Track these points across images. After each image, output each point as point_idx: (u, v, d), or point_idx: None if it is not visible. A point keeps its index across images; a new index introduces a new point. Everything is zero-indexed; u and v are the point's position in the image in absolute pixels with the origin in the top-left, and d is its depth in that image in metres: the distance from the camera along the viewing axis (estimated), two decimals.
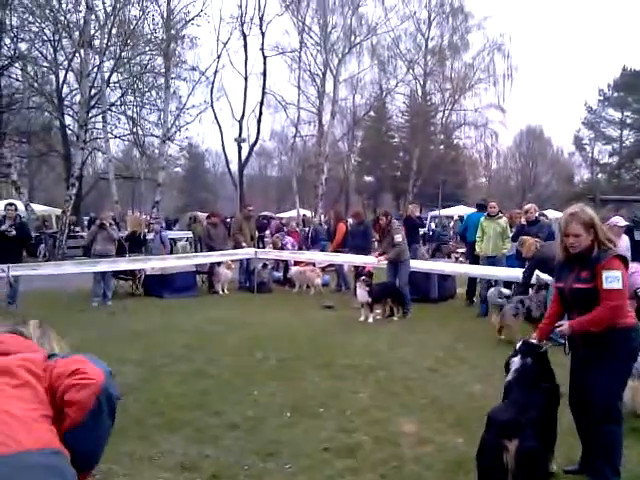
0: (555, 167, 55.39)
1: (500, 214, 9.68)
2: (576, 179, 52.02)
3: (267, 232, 18.98)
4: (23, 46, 22.71)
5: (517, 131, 54.87)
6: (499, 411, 3.24)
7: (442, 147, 42.71)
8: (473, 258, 10.21)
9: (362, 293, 8.85)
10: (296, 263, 12.87)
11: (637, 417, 4.32)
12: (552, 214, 23.41)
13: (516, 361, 3.54)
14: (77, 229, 24.77)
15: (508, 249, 9.45)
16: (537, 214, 9.10)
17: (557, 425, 3.44)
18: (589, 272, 3.23)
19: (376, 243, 11.90)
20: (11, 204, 10.85)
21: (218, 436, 4.16)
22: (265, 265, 12.60)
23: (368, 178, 48.91)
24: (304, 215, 30.39)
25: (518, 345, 3.68)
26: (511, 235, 9.54)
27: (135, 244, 13.30)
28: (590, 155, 49.25)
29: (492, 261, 9.37)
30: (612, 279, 3.13)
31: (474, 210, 11.60)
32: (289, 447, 3.97)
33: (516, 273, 8.65)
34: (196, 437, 4.14)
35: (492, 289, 8.57)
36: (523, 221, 9.20)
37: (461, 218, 23.94)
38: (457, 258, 14.79)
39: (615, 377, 3.29)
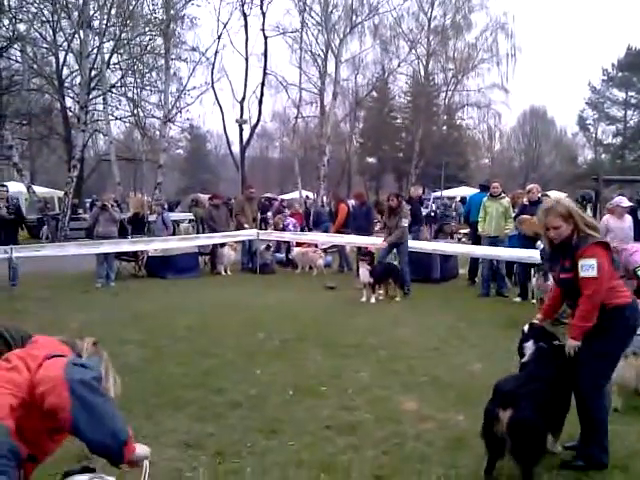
0: (558, 147, 55.05)
1: (503, 194, 9.66)
2: (579, 159, 51.77)
3: (269, 214, 18.95)
4: (22, 27, 22.47)
5: (520, 111, 54.51)
6: (504, 382, 3.28)
7: (445, 128, 42.46)
8: (476, 238, 10.21)
9: (364, 273, 8.87)
10: (299, 244, 12.88)
11: (639, 395, 4.34)
12: (555, 195, 23.36)
13: (529, 346, 3.55)
14: (79, 211, 24.78)
15: (511, 229, 9.43)
16: (540, 194, 9.05)
17: (567, 405, 3.43)
18: (570, 261, 3.24)
19: (378, 225, 11.92)
20: (3, 185, 10.98)
21: (221, 414, 4.20)
22: (268, 247, 12.63)
23: (370, 159, 48.71)
24: (307, 196, 30.31)
25: (526, 328, 3.68)
26: (513, 215, 9.52)
27: (138, 226, 13.30)
28: (594, 135, 48.97)
29: (494, 241, 9.37)
30: (587, 267, 3.13)
31: (477, 191, 11.58)
32: (291, 425, 4.01)
33: (518, 253, 8.66)
34: (199, 415, 4.18)
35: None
36: (525, 201, 9.17)
37: (463, 199, 23.92)
38: (459, 239, 14.80)
39: (602, 357, 3.29)
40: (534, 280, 8.26)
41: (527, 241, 8.43)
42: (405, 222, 9.31)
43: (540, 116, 54.52)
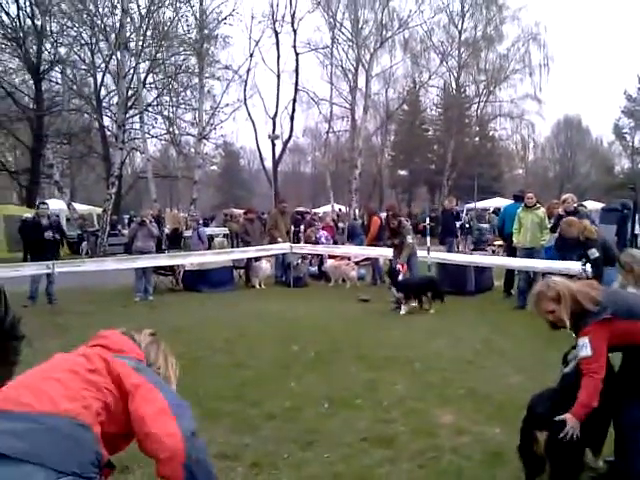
0: (594, 157, 54.00)
1: (538, 205, 9.53)
2: (616, 169, 50.63)
3: (302, 227, 19.09)
4: (62, 50, 23.43)
5: (555, 121, 53.68)
6: (538, 400, 3.22)
7: (477, 139, 42.12)
8: (511, 250, 10.08)
9: (393, 290, 8.98)
10: (331, 257, 12.93)
11: None
12: (592, 205, 22.85)
13: (573, 356, 3.48)
14: (118, 227, 25.38)
15: (547, 240, 9.30)
16: (575, 204, 8.90)
17: (609, 421, 3.33)
18: None
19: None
20: (44, 203, 11.39)
21: (257, 426, 4.25)
22: (304, 258, 12.76)
23: (402, 172, 48.57)
24: (339, 210, 30.41)
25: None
26: (549, 226, 9.39)
27: (174, 240, 13.57)
28: (630, 144, 47.81)
29: (530, 253, 9.24)
30: (580, 347, 3.05)
31: (511, 202, 11.45)
32: (327, 437, 4.02)
33: (555, 265, 8.51)
34: (236, 427, 4.23)
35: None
36: (561, 211, 9.03)
37: (496, 211, 23.59)
38: (494, 251, 14.61)
39: None
40: None
41: (564, 252, 8.29)
42: (409, 239, 9.48)
43: (575, 125, 53.66)
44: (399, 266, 9.17)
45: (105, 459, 1.80)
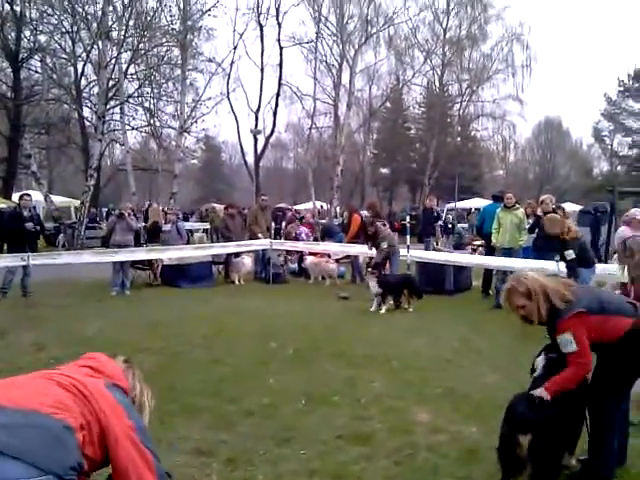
0: (574, 159, 54.74)
1: (517, 205, 9.63)
2: (595, 171, 51.43)
3: (283, 224, 19.04)
4: (42, 38, 22.98)
5: (535, 122, 54.27)
6: (518, 403, 3.22)
7: (459, 139, 42.41)
8: (489, 250, 10.17)
9: (372, 284, 8.94)
10: (312, 254, 12.92)
11: None
12: (570, 207, 23.18)
13: (539, 360, 3.51)
14: (97, 219, 25.07)
15: (524, 241, 9.41)
16: (553, 206, 8.97)
17: (583, 421, 3.37)
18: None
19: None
20: (27, 194, 11.18)
21: (234, 422, 4.22)
22: (286, 259, 12.75)
23: (384, 170, 48.73)
24: (321, 207, 30.39)
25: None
26: (527, 227, 9.50)
27: (153, 235, 13.44)
28: (609, 147, 48.59)
29: (508, 253, 9.33)
30: (564, 343, 3.09)
31: (491, 202, 11.54)
32: (304, 434, 4.01)
33: (532, 264, 8.59)
34: (213, 423, 4.21)
35: None
36: (539, 212, 9.13)
37: (478, 211, 23.83)
38: (474, 250, 14.71)
39: (618, 378, 3.25)
40: None
41: (541, 252, 8.39)
42: (384, 244, 9.57)
43: (555, 127, 54.30)
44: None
45: (85, 468, 1.81)
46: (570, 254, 7.04)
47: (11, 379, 1.91)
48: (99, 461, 1.89)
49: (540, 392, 3.08)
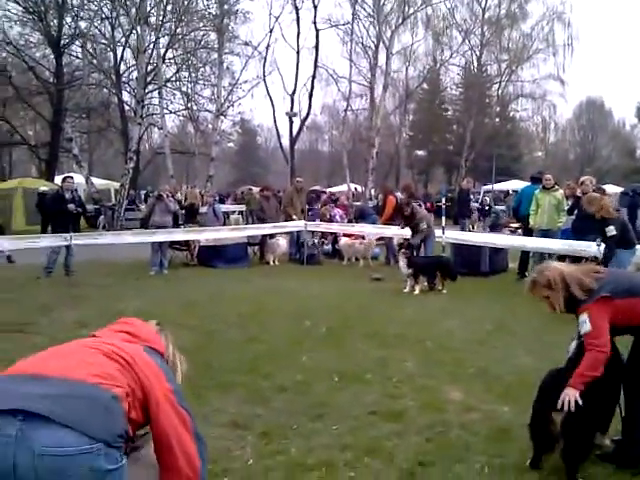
0: (616, 140, 53.03)
1: (556, 187, 9.44)
2: (638, 152, 49.69)
3: (318, 205, 19.08)
4: (83, 24, 23.46)
5: (577, 103, 52.72)
6: (551, 380, 3.23)
7: (497, 120, 41.51)
8: (527, 232, 10.01)
9: (402, 264, 8.95)
10: (346, 236, 12.96)
11: None
12: (612, 189, 22.53)
13: (573, 343, 3.48)
14: (136, 202, 25.58)
15: (563, 222, 9.23)
16: (593, 187, 8.76)
17: (617, 401, 3.35)
18: None
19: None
20: (70, 177, 11.50)
21: (268, 398, 4.32)
22: (323, 242, 12.83)
23: (420, 152, 48.16)
24: (355, 189, 30.30)
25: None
26: (567, 208, 9.32)
27: (190, 216, 13.67)
28: None
29: (546, 234, 9.18)
30: (580, 324, 3.11)
31: (529, 184, 11.34)
32: (336, 410, 4.09)
33: (571, 247, 8.47)
34: (247, 398, 4.32)
35: None
36: (579, 193, 8.93)
37: (515, 193, 23.42)
38: (512, 231, 14.50)
39: None
40: None
41: (581, 234, 8.22)
42: (423, 225, 9.42)
43: (597, 107, 52.70)
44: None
45: (130, 434, 1.87)
46: (611, 230, 6.88)
47: (55, 349, 1.95)
48: (140, 423, 1.96)
49: (568, 392, 3.01)
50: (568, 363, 3.44)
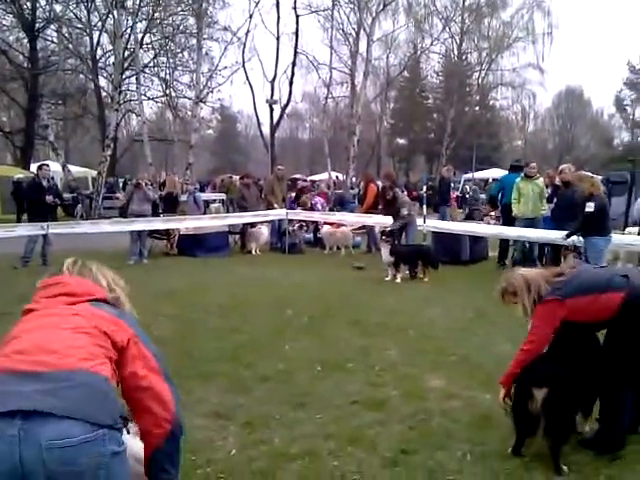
0: (594, 129, 53.70)
1: (538, 175, 9.53)
2: (616, 141, 50.44)
3: (291, 195, 18.99)
4: (58, 8, 22.94)
5: (556, 92, 53.18)
6: (536, 362, 3.28)
7: (477, 108, 41.75)
8: (507, 220, 10.07)
9: (385, 253, 8.95)
10: (327, 224, 12.93)
11: None
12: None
13: None
14: (114, 190, 25.23)
15: (546, 210, 9.34)
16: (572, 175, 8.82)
17: (598, 385, 3.39)
18: None
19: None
20: (46, 165, 11.29)
21: (251, 387, 4.30)
22: (301, 226, 12.76)
23: (401, 140, 48.25)
24: (336, 177, 30.26)
25: None
26: (547, 196, 9.41)
27: (170, 204, 13.50)
28: (631, 117, 47.50)
29: (531, 223, 9.24)
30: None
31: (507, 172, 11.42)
32: (319, 399, 4.08)
33: (549, 235, 8.56)
34: (230, 387, 4.29)
35: None
36: (558, 181, 9.01)
37: (495, 181, 23.59)
38: (489, 222, 14.61)
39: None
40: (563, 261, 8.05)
41: (560, 222, 8.30)
42: (404, 210, 9.45)
43: (576, 97, 53.20)
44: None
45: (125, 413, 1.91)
46: (591, 206, 6.97)
47: (30, 336, 1.85)
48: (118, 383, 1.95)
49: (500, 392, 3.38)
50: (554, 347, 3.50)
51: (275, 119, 33.43)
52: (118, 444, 1.71)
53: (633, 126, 47.56)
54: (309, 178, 31.80)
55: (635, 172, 12.02)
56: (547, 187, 9.73)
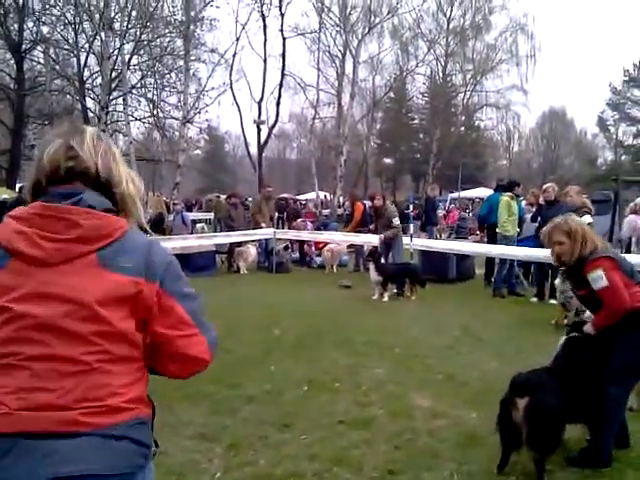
0: (578, 149, 54.47)
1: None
2: (599, 161, 51.20)
3: (285, 214, 19.07)
4: (45, 29, 22.96)
5: (540, 112, 54.01)
6: (521, 374, 3.31)
7: (463, 129, 42.20)
8: (493, 239, 10.10)
9: (372, 272, 8.97)
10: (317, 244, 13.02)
11: None
12: (574, 190, 23.03)
13: (561, 339, 3.67)
14: None
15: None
16: (556, 194, 8.89)
17: (591, 395, 3.39)
18: (580, 279, 3.37)
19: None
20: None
21: (237, 408, 4.27)
22: (287, 247, 12.79)
23: (387, 160, 48.65)
24: (324, 197, 30.38)
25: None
26: (530, 215, 9.50)
27: (157, 225, 13.45)
28: (614, 136, 48.27)
29: (524, 242, 9.34)
30: (596, 279, 3.24)
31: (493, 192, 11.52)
32: (305, 419, 4.05)
33: (535, 253, 8.62)
34: (215, 409, 4.25)
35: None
36: (541, 200, 9.09)
37: (481, 200, 23.77)
38: (477, 241, 14.71)
39: (635, 351, 3.30)
40: (557, 282, 7.90)
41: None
42: (396, 221, 9.58)
43: (559, 117, 54.06)
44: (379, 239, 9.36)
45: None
46: (588, 219, 7.09)
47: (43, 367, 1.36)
48: None
49: (587, 328, 3.37)
50: (555, 361, 3.52)
51: (262, 139, 33.60)
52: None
53: (616, 145, 48.29)
54: (297, 197, 31.89)
55: (618, 191, 12.18)
56: (532, 206, 9.82)
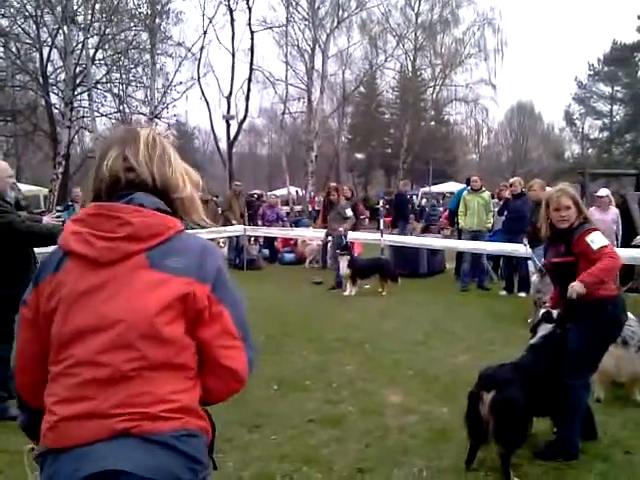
0: (546, 143, 55.33)
1: (483, 188, 9.69)
2: (566, 154, 51.97)
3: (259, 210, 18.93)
4: (4, 22, 22.26)
5: (508, 107, 54.67)
6: (488, 368, 3.33)
7: (432, 123, 42.47)
8: (460, 233, 10.22)
9: (343, 266, 8.98)
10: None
11: (619, 386, 4.37)
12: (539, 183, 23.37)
13: (545, 327, 3.61)
14: (58, 208, 24.53)
15: (491, 223, 9.54)
16: (523, 188, 9.00)
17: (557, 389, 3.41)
18: (565, 246, 3.40)
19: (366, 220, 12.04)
20: None
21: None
22: (249, 240, 12.75)
23: (359, 155, 48.59)
24: (296, 192, 30.28)
25: (542, 312, 3.73)
26: (496, 209, 9.59)
27: None
28: (580, 130, 49.16)
29: (475, 236, 9.38)
30: (596, 239, 3.32)
31: (463, 186, 11.60)
32: (274, 419, 4.00)
33: (503, 247, 8.71)
34: None
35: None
36: (508, 194, 9.19)
37: (452, 194, 23.97)
38: (447, 236, 14.80)
39: (588, 348, 3.35)
40: (534, 278, 7.43)
41: (511, 235, 8.44)
42: (349, 212, 9.79)
43: (527, 111, 54.79)
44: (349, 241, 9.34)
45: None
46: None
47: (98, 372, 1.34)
48: None
49: (574, 284, 3.22)
50: (530, 348, 3.53)
51: (232, 135, 33.28)
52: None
53: (582, 139, 49.22)
54: (269, 193, 31.69)
55: (585, 183, 12.39)
56: (499, 200, 9.92)
